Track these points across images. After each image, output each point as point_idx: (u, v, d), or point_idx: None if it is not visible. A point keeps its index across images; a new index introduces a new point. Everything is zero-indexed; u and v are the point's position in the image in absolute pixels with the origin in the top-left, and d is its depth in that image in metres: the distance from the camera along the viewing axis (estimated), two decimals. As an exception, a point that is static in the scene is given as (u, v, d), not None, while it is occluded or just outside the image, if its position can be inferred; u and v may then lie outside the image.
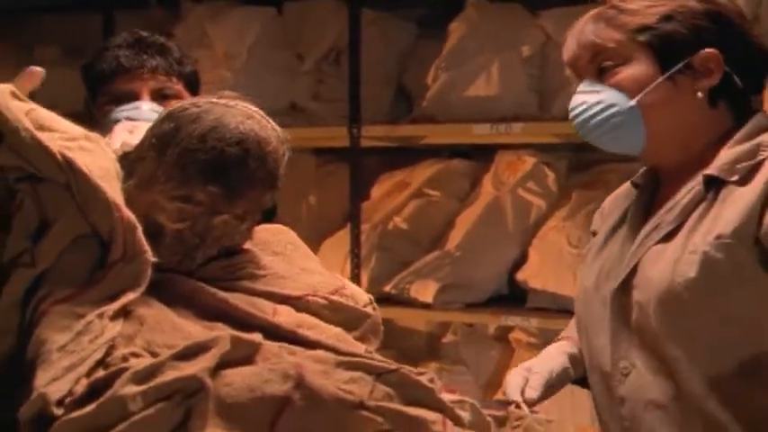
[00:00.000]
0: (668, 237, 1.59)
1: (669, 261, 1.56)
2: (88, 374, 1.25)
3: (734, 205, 1.54)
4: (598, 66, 1.64)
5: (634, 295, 1.60)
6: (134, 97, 1.82)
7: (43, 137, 1.34)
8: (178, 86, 1.88)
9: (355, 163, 3.44)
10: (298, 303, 1.49)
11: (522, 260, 3.39)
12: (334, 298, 1.53)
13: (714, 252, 1.52)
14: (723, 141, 1.61)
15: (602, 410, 1.72)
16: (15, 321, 1.34)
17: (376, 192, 3.65)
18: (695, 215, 1.58)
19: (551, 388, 1.72)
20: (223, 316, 1.41)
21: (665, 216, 1.61)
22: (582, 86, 1.66)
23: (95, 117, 1.74)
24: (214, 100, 1.51)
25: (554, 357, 1.77)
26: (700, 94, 1.60)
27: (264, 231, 1.62)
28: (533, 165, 3.41)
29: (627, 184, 1.80)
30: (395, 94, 3.68)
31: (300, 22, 3.60)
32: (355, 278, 3.38)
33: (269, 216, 1.66)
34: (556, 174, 3.43)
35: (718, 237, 1.52)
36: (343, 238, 3.51)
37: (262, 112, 1.53)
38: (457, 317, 3.42)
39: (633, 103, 1.60)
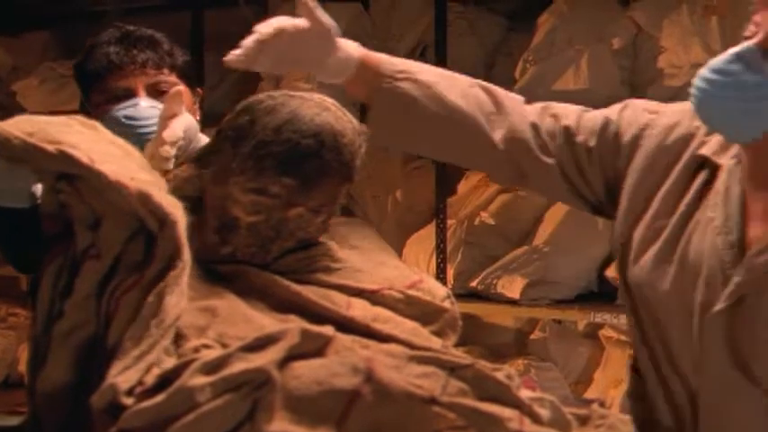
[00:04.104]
0: None
1: None
2: (159, 364, 1.25)
3: None
4: None
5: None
6: (130, 94, 1.80)
7: (35, 138, 1.35)
8: (171, 78, 1.82)
9: (442, 158, 3.41)
10: (373, 297, 1.48)
11: (612, 257, 3.31)
12: (411, 292, 1.51)
13: None
14: None
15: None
16: (93, 313, 1.36)
17: (462, 187, 3.62)
18: None
19: None
20: (296, 309, 1.40)
21: None
22: None
23: (92, 117, 1.70)
24: (290, 92, 1.51)
25: None
26: None
27: (342, 225, 1.61)
28: (624, 159, 3.33)
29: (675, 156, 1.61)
30: (482, 88, 3.63)
31: (387, 17, 3.59)
32: (441, 273, 3.35)
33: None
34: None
35: None
36: (429, 233, 3.49)
37: (338, 104, 1.51)
38: (544, 313, 3.37)
39: None
